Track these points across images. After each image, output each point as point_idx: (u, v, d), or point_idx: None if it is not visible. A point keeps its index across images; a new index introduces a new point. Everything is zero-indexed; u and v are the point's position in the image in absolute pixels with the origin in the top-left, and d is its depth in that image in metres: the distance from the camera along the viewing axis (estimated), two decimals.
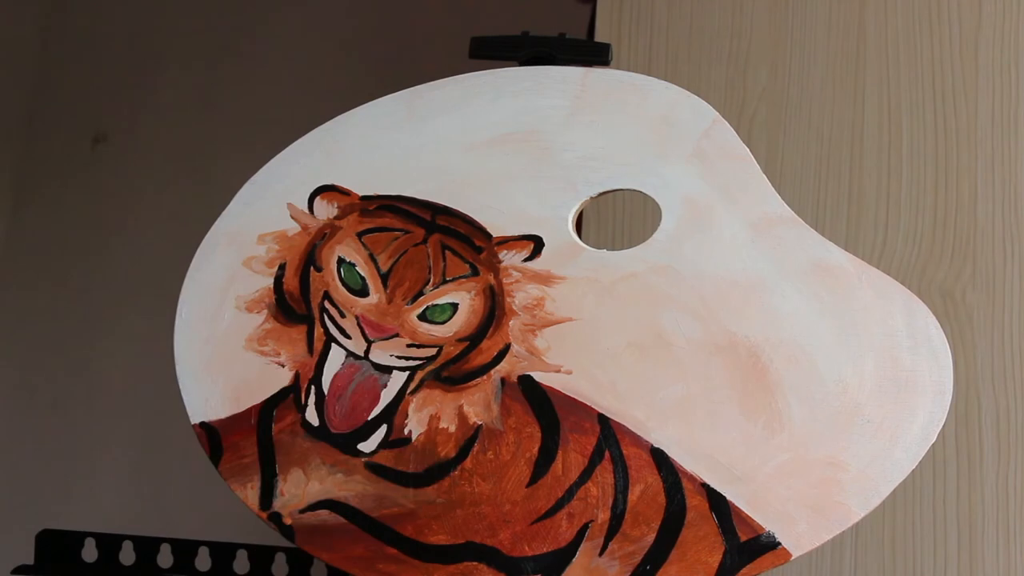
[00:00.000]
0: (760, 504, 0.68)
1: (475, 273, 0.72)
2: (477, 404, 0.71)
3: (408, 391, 0.72)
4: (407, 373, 0.72)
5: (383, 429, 0.72)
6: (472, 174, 0.73)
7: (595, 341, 0.70)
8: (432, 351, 0.72)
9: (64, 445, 1.82)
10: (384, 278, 0.73)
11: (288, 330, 0.73)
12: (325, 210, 0.74)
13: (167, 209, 1.84)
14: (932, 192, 1.12)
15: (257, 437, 0.72)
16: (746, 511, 0.68)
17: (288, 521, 0.72)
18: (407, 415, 0.72)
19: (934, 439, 0.68)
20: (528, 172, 0.73)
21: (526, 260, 0.72)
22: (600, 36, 1.19)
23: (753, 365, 0.69)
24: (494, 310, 0.72)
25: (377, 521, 0.71)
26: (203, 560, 1.05)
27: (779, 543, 0.67)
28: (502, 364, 0.71)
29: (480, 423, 0.70)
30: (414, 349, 0.72)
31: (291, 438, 0.72)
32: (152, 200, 1.86)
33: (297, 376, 0.73)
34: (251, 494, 0.72)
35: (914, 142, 1.13)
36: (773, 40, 1.16)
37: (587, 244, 0.72)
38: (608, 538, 0.69)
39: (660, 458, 0.69)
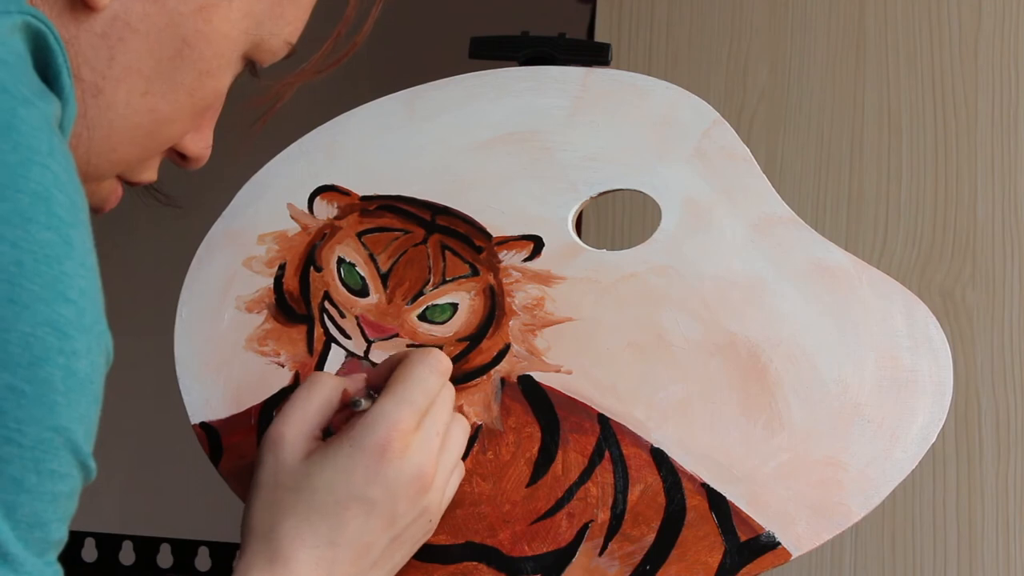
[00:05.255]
0: (760, 504, 0.68)
1: (475, 273, 0.72)
2: (477, 404, 0.71)
3: None
4: None
5: None
6: (472, 174, 0.73)
7: (595, 341, 0.70)
8: None
9: None
10: (384, 278, 0.73)
11: (288, 330, 0.73)
12: (325, 210, 0.74)
13: (167, 209, 1.83)
14: (932, 192, 1.12)
15: (257, 437, 0.72)
16: (746, 511, 0.68)
17: None
18: None
19: (934, 439, 0.67)
20: (528, 172, 0.73)
21: (526, 260, 0.72)
22: (600, 36, 1.19)
23: (753, 365, 0.69)
24: (494, 310, 0.72)
25: None
26: (203, 560, 1.05)
27: (779, 543, 0.67)
28: (502, 364, 0.71)
29: (480, 423, 0.70)
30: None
31: None
32: (152, 200, 1.86)
33: (297, 376, 0.72)
34: None
35: (914, 142, 1.13)
36: (773, 40, 1.16)
37: (587, 244, 0.72)
38: (608, 538, 0.69)
39: (660, 458, 0.69)
